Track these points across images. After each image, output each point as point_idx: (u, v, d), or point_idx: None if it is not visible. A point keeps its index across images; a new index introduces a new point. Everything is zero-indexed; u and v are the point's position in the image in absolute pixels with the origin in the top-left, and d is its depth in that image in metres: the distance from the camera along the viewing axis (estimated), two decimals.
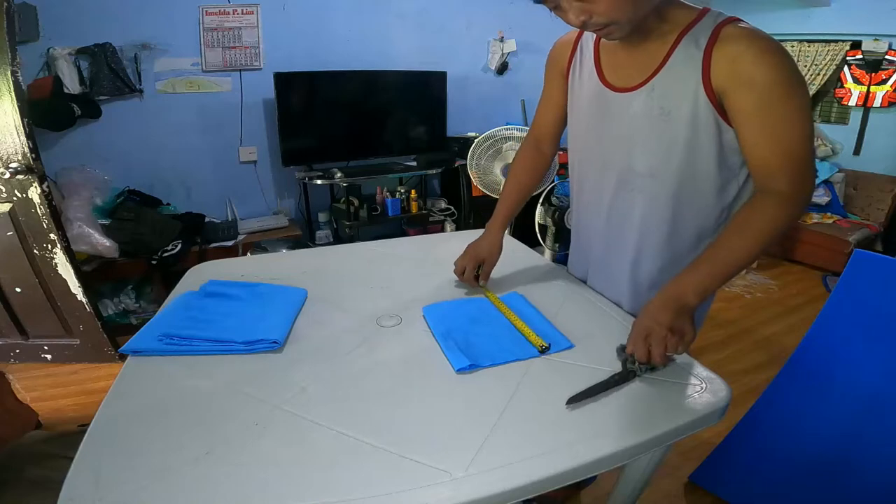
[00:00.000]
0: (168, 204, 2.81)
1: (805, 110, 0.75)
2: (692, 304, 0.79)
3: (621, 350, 0.82)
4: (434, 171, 3.25)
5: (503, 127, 2.51)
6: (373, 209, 3.13)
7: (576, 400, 0.73)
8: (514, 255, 1.29)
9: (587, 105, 0.97)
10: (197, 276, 1.17)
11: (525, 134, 2.39)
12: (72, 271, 1.99)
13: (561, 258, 2.75)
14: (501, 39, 3.57)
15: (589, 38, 0.98)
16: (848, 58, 3.44)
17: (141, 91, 2.67)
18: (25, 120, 1.77)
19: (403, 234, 3.40)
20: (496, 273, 1.15)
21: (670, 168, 0.88)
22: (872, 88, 3.38)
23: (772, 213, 0.78)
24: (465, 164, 2.68)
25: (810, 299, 2.96)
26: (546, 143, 1.15)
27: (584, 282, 1.14)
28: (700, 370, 0.80)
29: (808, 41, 3.60)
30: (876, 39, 3.31)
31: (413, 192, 3.23)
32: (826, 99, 3.71)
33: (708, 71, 0.78)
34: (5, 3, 1.68)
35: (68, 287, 2.02)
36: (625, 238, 0.99)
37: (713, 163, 0.85)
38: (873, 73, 3.35)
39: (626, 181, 0.94)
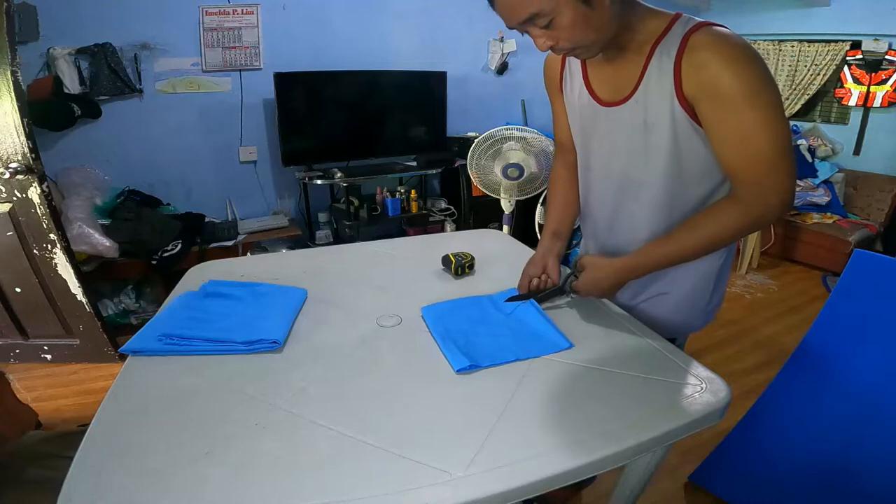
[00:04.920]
0: (168, 204, 2.81)
1: (771, 119, 0.74)
2: (630, 281, 0.94)
3: (571, 274, 1.00)
4: (434, 171, 3.25)
5: (503, 127, 2.50)
6: (373, 209, 3.13)
7: (515, 299, 1.00)
8: (514, 255, 1.29)
9: (583, 117, 0.99)
10: (197, 276, 1.17)
11: (525, 134, 2.41)
12: (72, 271, 1.99)
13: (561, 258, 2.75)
14: (501, 39, 3.57)
15: None
16: (848, 58, 3.44)
17: (141, 91, 2.67)
18: (25, 120, 1.77)
19: (403, 234, 3.40)
20: (496, 272, 1.15)
21: (659, 176, 0.90)
22: (872, 88, 3.37)
23: (726, 218, 0.82)
24: (465, 164, 2.68)
25: (810, 299, 2.96)
26: (571, 150, 1.12)
27: None
28: (700, 370, 0.80)
29: (808, 41, 3.60)
30: (876, 39, 3.31)
31: (413, 192, 3.23)
32: (826, 99, 3.71)
33: (679, 81, 0.79)
34: (5, 3, 1.68)
35: (68, 287, 2.02)
36: (628, 244, 1.00)
37: (701, 167, 0.87)
38: (873, 73, 3.35)
39: (626, 189, 0.96)
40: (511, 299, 1.01)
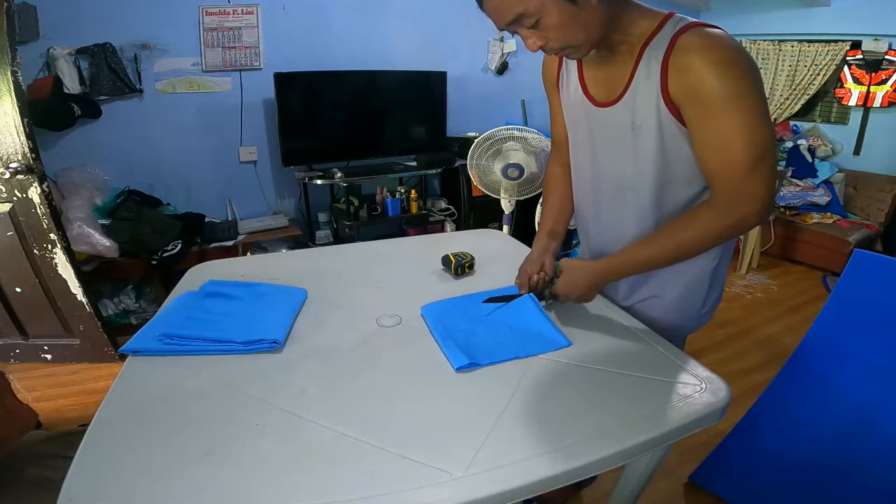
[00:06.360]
0: (168, 204, 2.81)
1: (752, 125, 0.73)
2: (608, 283, 0.98)
3: (552, 279, 1.01)
4: (434, 171, 3.25)
5: (503, 127, 2.50)
6: (373, 209, 3.13)
7: (492, 301, 1.01)
8: (514, 255, 1.28)
9: (577, 117, 0.99)
10: (197, 276, 1.17)
11: (525, 134, 2.41)
12: (72, 271, 1.99)
13: (560, 258, 2.75)
14: (501, 39, 3.57)
15: None
16: (848, 58, 3.44)
17: (141, 91, 2.67)
18: (25, 120, 1.77)
19: (403, 234, 3.40)
20: (496, 272, 1.15)
21: (647, 178, 0.89)
22: (872, 88, 3.37)
23: (701, 224, 0.81)
24: (465, 164, 2.68)
25: (810, 299, 2.96)
26: (566, 148, 1.11)
27: None
28: (700, 370, 0.80)
29: (808, 41, 3.59)
30: (876, 39, 3.31)
31: (413, 192, 3.23)
32: (826, 99, 3.71)
33: (665, 83, 0.79)
34: (5, 3, 1.68)
35: (68, 287, 2.02)
36: (615, 245, 0.99)
37: (689, 170, 0.86)
38: (873, 73, 3.35)
39: (615, 190, 0.96)
40: (490, 300, 1.02)
